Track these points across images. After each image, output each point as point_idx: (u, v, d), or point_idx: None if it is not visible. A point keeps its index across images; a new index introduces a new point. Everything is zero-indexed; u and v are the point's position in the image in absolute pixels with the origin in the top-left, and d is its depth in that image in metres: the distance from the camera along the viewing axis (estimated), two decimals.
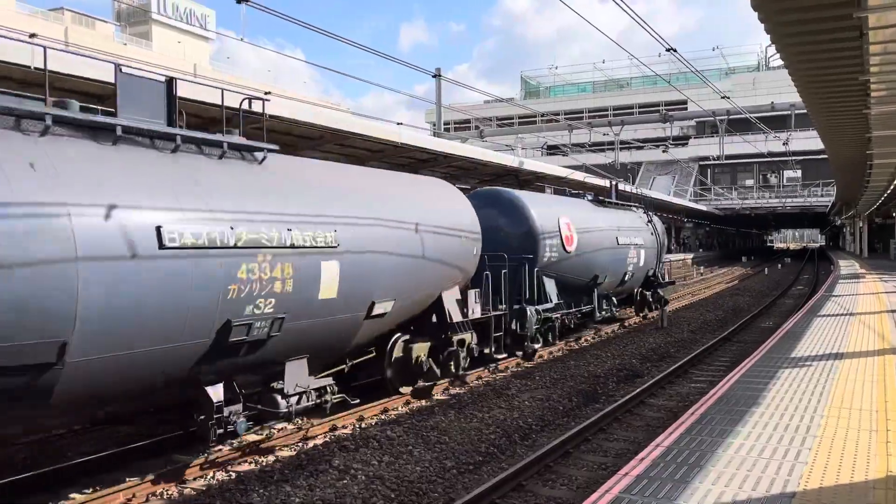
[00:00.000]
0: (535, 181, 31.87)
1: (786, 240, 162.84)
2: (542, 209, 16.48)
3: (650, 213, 24.40)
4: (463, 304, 12.56)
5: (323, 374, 9.83)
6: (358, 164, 17.38)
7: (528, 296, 15.60)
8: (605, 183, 33.56)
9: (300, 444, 9.43)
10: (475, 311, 12.96)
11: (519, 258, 15.41)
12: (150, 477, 7.92)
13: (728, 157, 48.16)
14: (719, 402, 8.14)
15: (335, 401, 9.65)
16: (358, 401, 10.48)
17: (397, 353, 11.58)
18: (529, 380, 13.32)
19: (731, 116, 31.53)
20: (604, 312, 19.67)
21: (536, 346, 15.76)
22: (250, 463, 8.73)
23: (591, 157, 50.56)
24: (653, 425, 10.41)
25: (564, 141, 46.12)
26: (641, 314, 23.58)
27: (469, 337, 12.59)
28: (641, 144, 48.61)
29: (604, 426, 10.21)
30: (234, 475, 8.29)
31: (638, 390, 12.05)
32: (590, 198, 20.46)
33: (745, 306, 27.61)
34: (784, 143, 37.56)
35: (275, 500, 7.38)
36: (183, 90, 10.11)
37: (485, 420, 10.44)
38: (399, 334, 11.61)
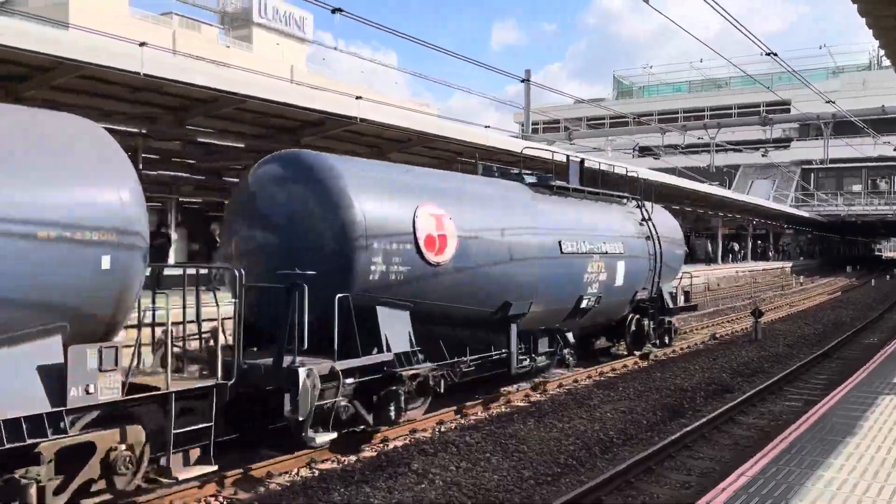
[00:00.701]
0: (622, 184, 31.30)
1: None
2: (379, 191, 9.90)
3: (646, 207, 16.76)
4: (56, 376, 6.23)
5: None
6: (444, 168, 17.55)
7: (306, 344, 8.38)
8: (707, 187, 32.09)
9: (381, 445, 9.63)
10: (98, 388, 6.38)
11: (315, 276, 8.55)
12: (239, 470, 8.25)
13: (833, 161, 45.82)
14: (812, 428, 7.78)
15: None
16: None
17: None
18: (612, 391, 13.10)
19: (837, 119, 29.96)
20: (538, 360, 12.65)
21: (326, 437, 8.48)
22: (332, 461, 8.98)
23: (685, 160, 49.15)
24: (741, 444, 10.06)
25: (657, 142, 44.99)
26: (638, 353, 16.42)
27: (105, 439, 6.47)
28: (739, 148, 46.85)
29: (689, 443, 9.94)
30: (317, 472, 8.55)
31: (727, 406, 11.66)
32: (533, 181, 13.66)
33: (847, 320, 26.18)
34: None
35: (355, 501, 7.57)
36: None
37: (565, 430, 10.35)
38: None
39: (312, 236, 9.33)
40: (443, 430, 10.43)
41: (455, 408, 11.31)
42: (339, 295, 8.77)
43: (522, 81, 28.73)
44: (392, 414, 9.45)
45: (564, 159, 15.04)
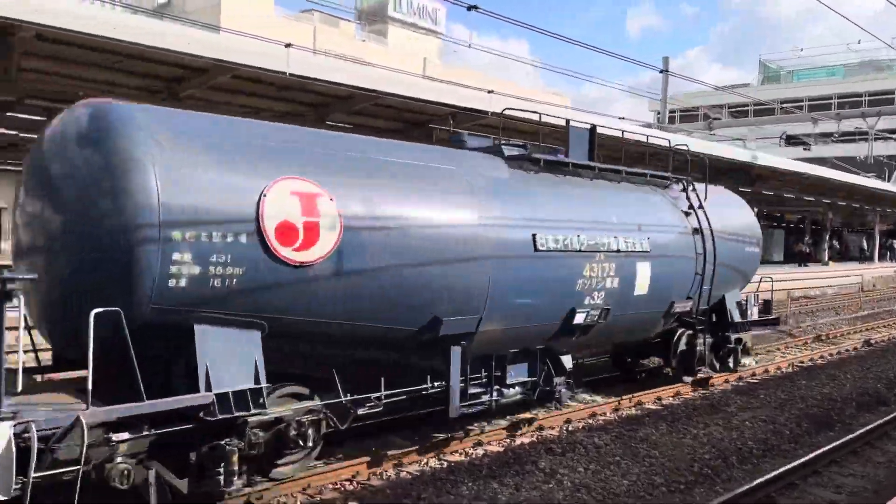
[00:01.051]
0: (770, 179, 29.66)
1: None
2: (202, 155, 6.76)
3: (697, 191, 12.64)
4: None
5: None
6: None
7: (20, 386, 6.06)
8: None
9: (508, 441, 9.67)
10: None
11: (84, 282, 6.32)
12: (368, 459, 8.48)
13: None
14: None
15: None
16: None
17: None
18: (752, 397, 12.46)
19: None
20: (508, 393, 9.75)
21: None
22: (460, 454, 9.12)
23: (838, 150, 45.73)
24: None
25: (807, 131, 42.02)
26: (690, 379, 12.97)
27: None
28: None
29: (837, 458, 9.29)
30: (445, 464, 8.72)
31: (882, 421, 10.79)
32: (514, 153, 10.05)
33: None
34: None
35: (482, 496, 7.65)
36: None
37: (699, 437, 9.96)
38: None
39: (81, 220, 6.34)
40: (570, 429, 10.33)
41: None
42: (97, 310, 5.80)
43: (661, 72, 27.77)
44: (221, 479, 6.52)
45: (564, 123, 10.98)
